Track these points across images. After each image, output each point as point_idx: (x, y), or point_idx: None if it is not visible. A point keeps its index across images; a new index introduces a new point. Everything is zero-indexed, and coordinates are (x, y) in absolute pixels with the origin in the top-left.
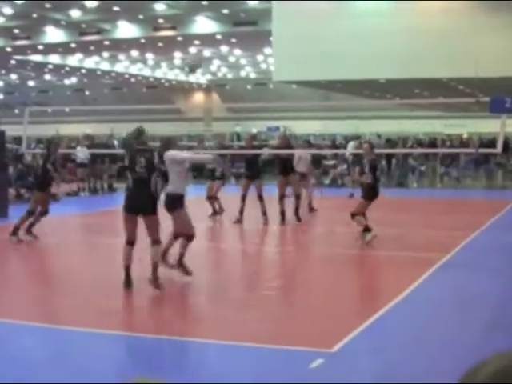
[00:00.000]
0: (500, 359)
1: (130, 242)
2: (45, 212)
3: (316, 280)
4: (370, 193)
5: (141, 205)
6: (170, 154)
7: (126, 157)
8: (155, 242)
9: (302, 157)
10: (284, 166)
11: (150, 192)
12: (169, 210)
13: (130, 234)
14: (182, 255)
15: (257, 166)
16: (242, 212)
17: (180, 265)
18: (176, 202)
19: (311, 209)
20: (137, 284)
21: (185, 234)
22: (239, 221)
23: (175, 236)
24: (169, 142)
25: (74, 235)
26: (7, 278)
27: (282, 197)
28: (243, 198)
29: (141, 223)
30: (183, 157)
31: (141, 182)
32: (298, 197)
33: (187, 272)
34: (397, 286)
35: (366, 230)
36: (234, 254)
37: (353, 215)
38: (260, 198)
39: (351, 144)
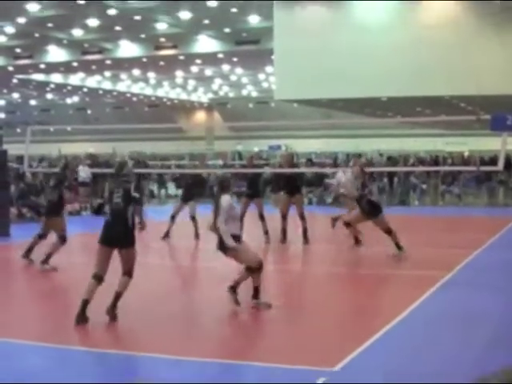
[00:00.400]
0: (503, 374)
1: (98, 277)
2: (63, 238)
3: (317, 298)
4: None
5: (117, 237)
6: (228, 203)
7: (106, 190)
8: (127, 273)
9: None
10: (289, 185)
11: (128, 224)
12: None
13: (101, 267)
14: (256, 289)
15: (257, 185)
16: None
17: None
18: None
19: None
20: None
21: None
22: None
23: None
24: (225, 185)
25: (77, 255)
26: (12, 296)
27: (284, 216)
28: (241, 217)
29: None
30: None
31: (117, 213)
32: (302, 217)
33: (267, 305)
34: (399, 304)
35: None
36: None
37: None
38: (261, 217)
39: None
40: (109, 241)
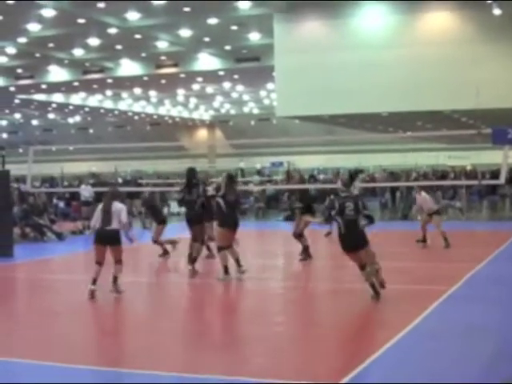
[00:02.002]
0: None
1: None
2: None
3: (322, 314)
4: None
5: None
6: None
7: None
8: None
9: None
10: (310, 205)
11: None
12: None
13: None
14: None
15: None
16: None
17: None
18: None
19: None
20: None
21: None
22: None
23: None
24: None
25: (79, 273)
26: (15, 315)
27: (301, 234)
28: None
29: None
30: None
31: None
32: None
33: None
34: (403, 318)
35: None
36: (239, 290)
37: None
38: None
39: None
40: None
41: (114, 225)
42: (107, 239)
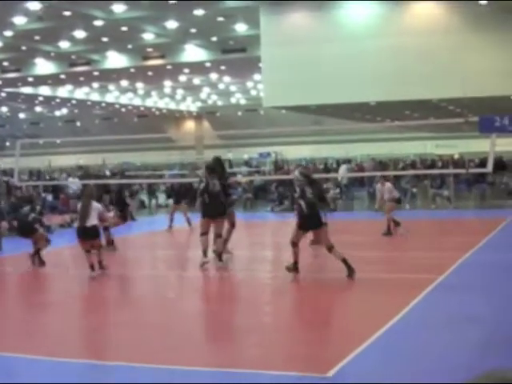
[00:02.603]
0: (485, 379)
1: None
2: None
3: (310, 305)
4: (299, 221)
5: None
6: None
7: None
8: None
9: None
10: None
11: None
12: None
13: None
14: None
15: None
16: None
17: None
18: None
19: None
20: None
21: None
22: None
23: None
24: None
25: (67, 267)
26: (4, 309)
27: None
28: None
29: None
30: None
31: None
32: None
33: None
34: (390, 308)
35: (294, 266)
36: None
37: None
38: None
39: (343, 167)
40: None
41: (93, 221)
42: (88, 235)
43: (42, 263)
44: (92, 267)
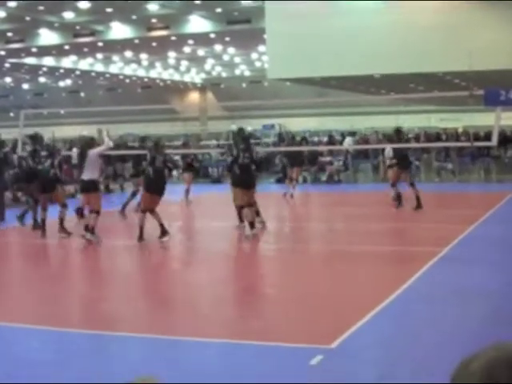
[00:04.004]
0: (492, 351)
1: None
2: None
3: (314, 277)
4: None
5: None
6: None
7: None
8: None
9: None
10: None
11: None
12: None
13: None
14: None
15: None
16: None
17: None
18: None
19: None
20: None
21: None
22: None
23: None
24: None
25: (71, 237)
26: (9, 280)
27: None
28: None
29: None
30: None
31: None
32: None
33: None
34: (395, 280)
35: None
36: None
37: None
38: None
39: (348, 139)
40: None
41: (89, 175)
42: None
43: (65, 232)
44: (90, 229)
